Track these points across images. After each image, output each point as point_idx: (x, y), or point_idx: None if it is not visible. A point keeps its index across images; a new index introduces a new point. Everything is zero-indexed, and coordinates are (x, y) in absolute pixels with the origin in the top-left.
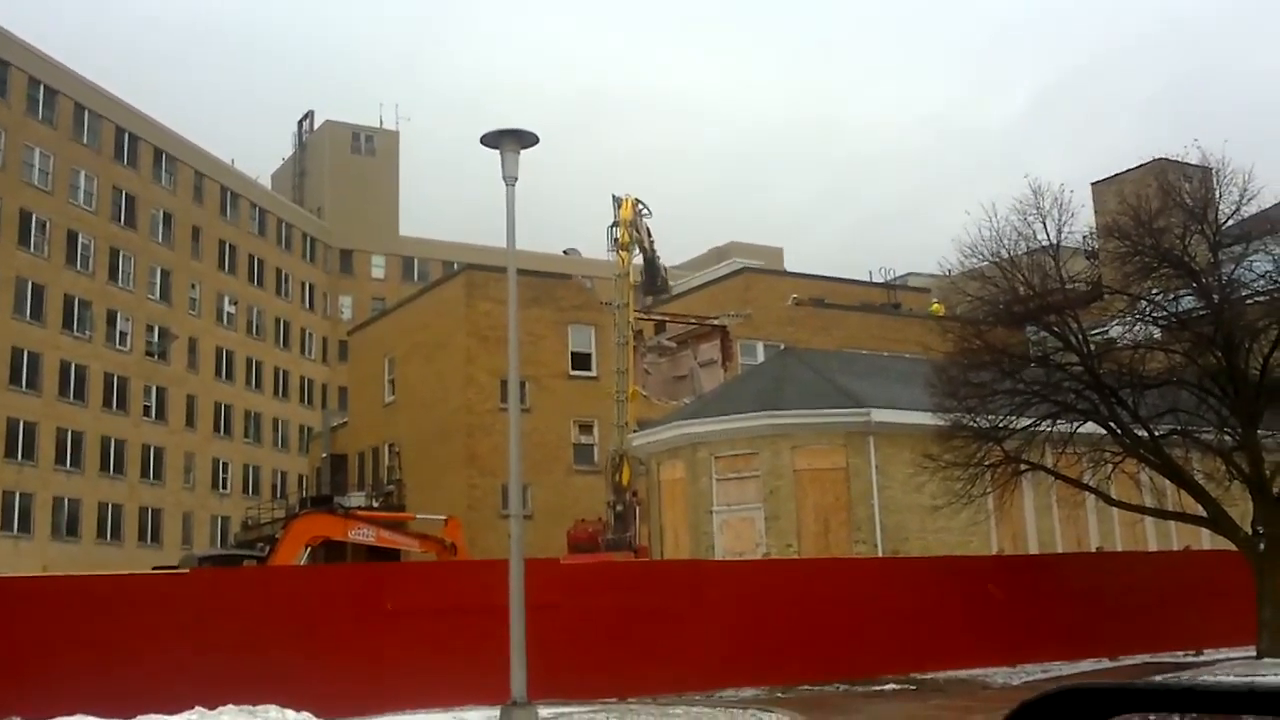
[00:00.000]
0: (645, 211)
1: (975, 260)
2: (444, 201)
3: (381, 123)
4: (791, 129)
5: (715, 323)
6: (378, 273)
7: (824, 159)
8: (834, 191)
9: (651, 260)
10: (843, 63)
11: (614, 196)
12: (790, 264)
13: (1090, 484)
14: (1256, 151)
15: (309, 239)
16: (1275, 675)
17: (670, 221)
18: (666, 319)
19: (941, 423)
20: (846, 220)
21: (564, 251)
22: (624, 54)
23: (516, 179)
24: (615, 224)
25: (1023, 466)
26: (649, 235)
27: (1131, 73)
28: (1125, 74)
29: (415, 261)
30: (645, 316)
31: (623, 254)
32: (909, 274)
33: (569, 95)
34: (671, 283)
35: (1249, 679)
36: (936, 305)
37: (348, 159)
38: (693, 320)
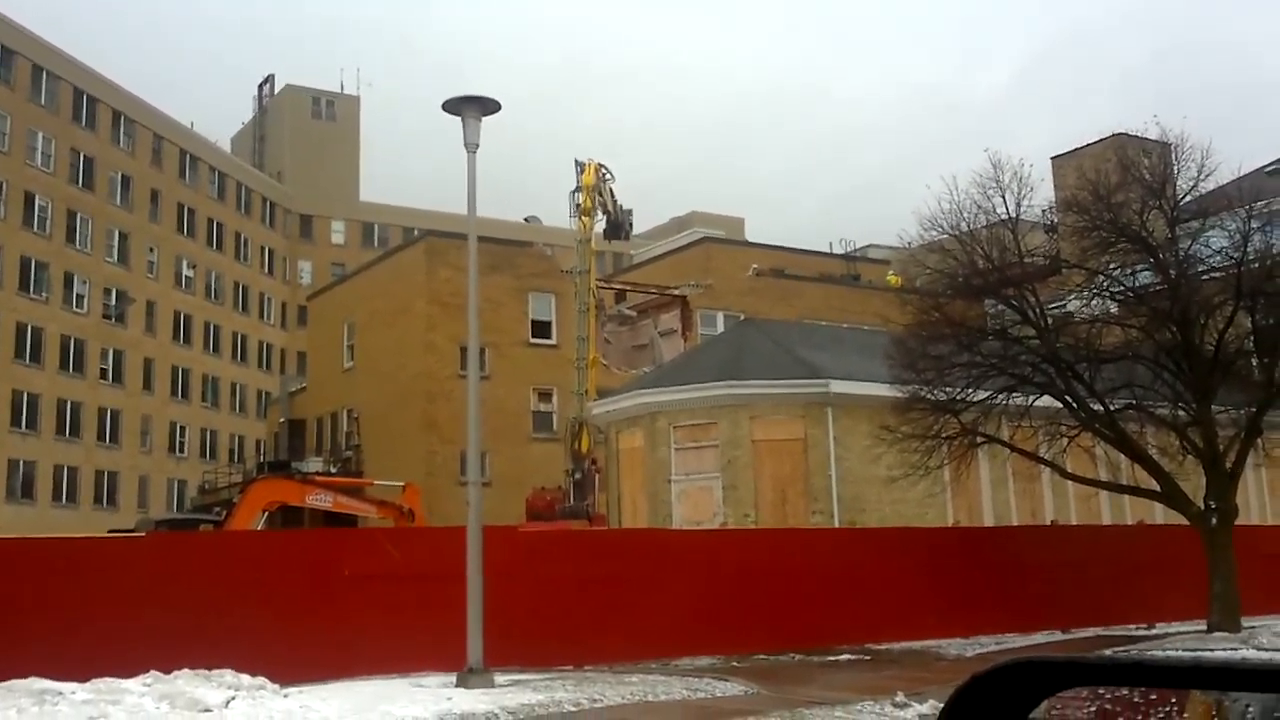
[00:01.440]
0: (608, 176)
1: (935, 233)
2: (409, 168)
3: (343, 88)
4: (774, 102)
5: (676, 292)
6: (338, 238)
7: (806, 132)
8: (812, 165)
9: (617, 221)
10: (832, 35)
11: (576, 161)
12: (761, 236)
13: (1046, 457)
14: (1238, 125)
15: (268, 203)
16: (1223, 649)
17: (643, 194)
18: (627, 288)
19: (899, 394)
20: (824, 192)
21: (525, 219)
22: (606, 22)
23: (478, 146)
24: (577, 189)
25: (979, 439)
26: (612, 198)
27: (1115, 46)
28: (1108, 47)
29: (376, 227)
30: (606, 285)
31: (584, 219)
32: (869, 246)
33: (547, 64)
34: (632, 252)
35: (1197, 653)
36: (893, 277)
37: (308, 124)
38: (653, 290)
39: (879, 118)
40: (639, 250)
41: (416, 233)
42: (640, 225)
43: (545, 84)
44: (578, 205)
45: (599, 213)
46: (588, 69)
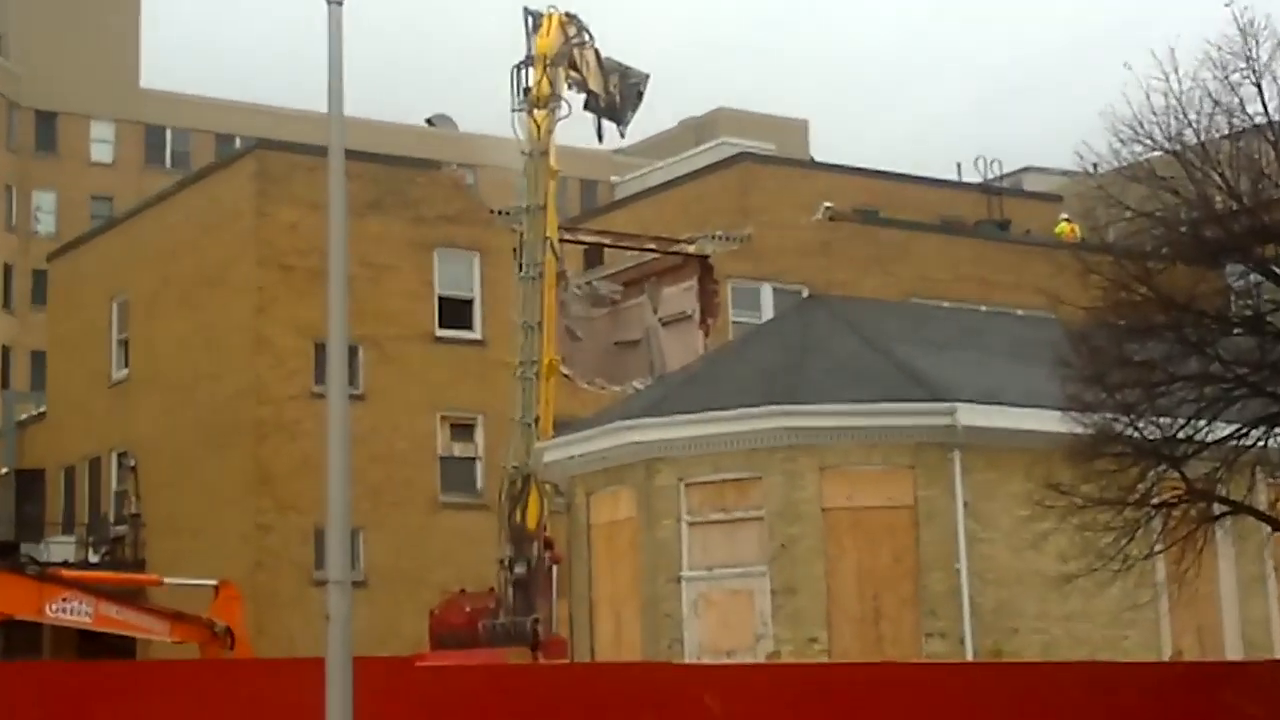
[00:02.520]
0: (586, 39)
1: (1139, 148)
2: (225, 39)
3: None
4: None
5: (690, 249)
6: (101, 152)
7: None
8: (926, 39)
9: (610, 99)
10: None
11: (528, 11)
12: (837, 153)
13: None
14: None
15: None
16: None
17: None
18: (606, 242)
19: (1079, 430)
20: (947, 85)
21: (428, 121)
22: None
23: None
24: (527, 61)
25: (1219, 508)
26: (600, 70)
27: None
28: None
29: (168, 134)
30: (572, 237)
31: (538, 117)
32: (1024, 170)
33: None
34: (615, 180)
35: None
36: (1066, 224)
37: None
38: (651, 246)
39: None
40: (628, 178)
41: (239, 143)
42: (632, 131)
43: None
44: (525, 91)
45: (562, 106)
46: None
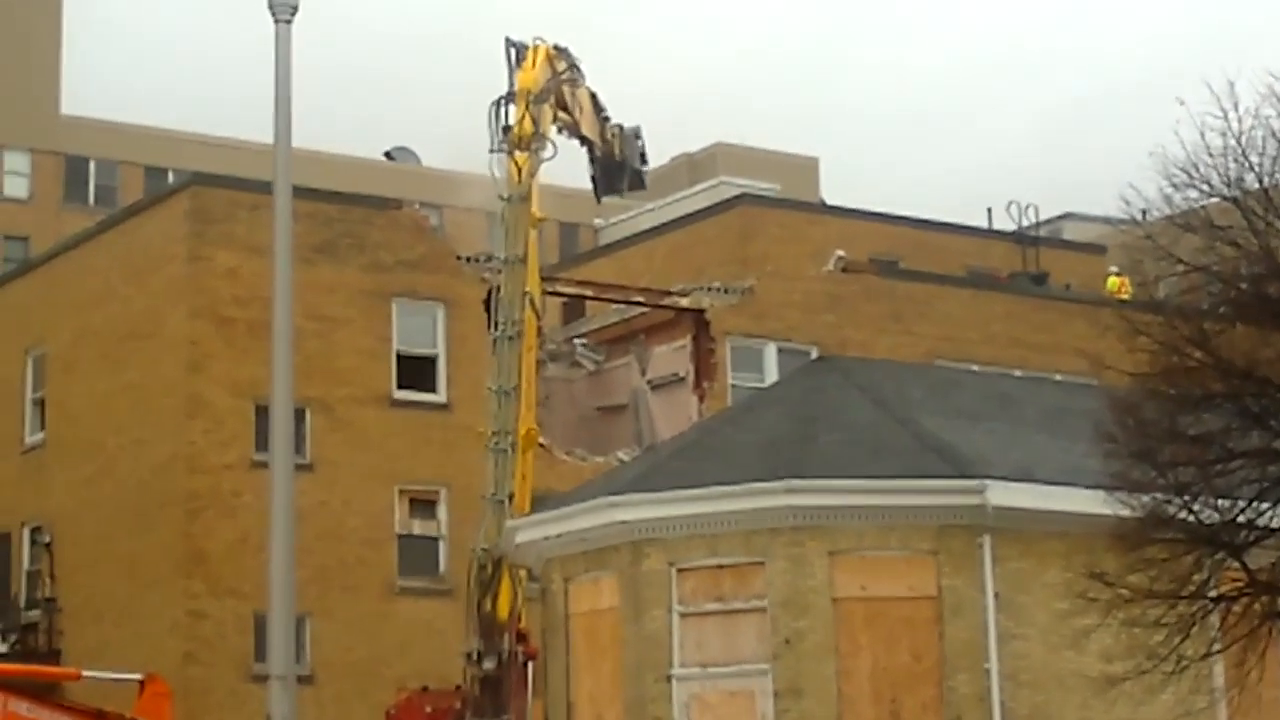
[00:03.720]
0: (576, 75)
1: (1194, 193)
2: (156, 68)
3: None
4: None
5: (683, 302)
6: (15, 186)
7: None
8: (949, 87)
9: (613, 155)
10: None
11: (509, 43)
12: (851, 195)
13: None
14: None
15: None
16: None
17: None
18: (588, 294)
19: (1126, 512)
20: (978, 122)
21: (387, 154)
22: None
23: (295, 8)
24: (507, 98)
25: None
26: (595, 115)
27: None
28: None
29: (90, 166)
30: (553, 289)
31: (519, 159)
32: (1064, 216)
33: None
34: (598, 223)
35: None
36: (1116, 279)
37: None
38: (638, 300)
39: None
40: (614, 221)
41: (172, 178)
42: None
43: None
44: (505, 130)
45: (546, 146)
46: None
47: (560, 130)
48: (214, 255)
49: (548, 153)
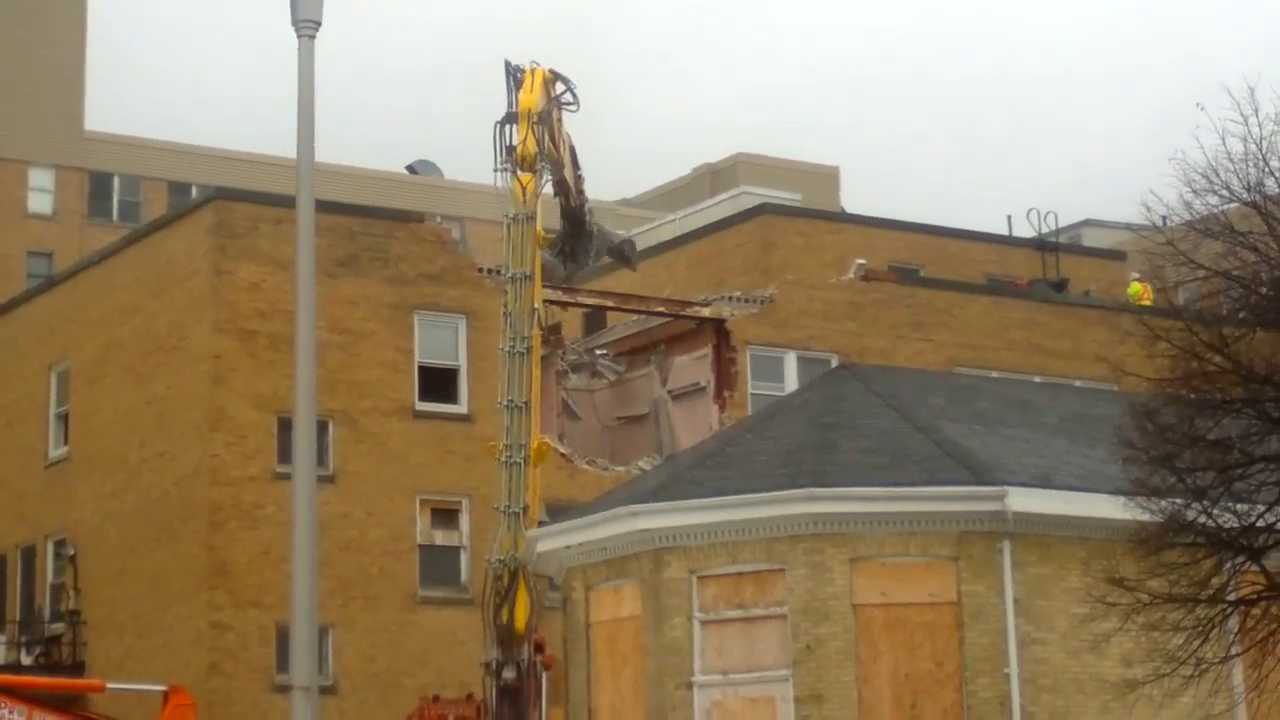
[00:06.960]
0: (568, 100)
1: (1215, 199)
2: (178, 85)
3: None
4: None
5: (703, 312)
6: (40, 202)
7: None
8: (980, 93)
9: (576, 209)
10: None
11: (508, 65)
12: (872, 205)
13: None
14: None
15: None
16: None
17: (645, 134)
18: (608, 305)
19: (1146, 517)
20: (991, 128)
21: (409, 168)
22: None
23: (319, 24)
24: (509, 118)
25: None
26: (569, 150)
27: None
28: None
29: (114, 182)
30: (563, 299)
31: (523, 178)
32: (1084, 223)
33: None
34: (619, 234)
35: None
36: (1138, 285)
37: None
38: (659, 310)
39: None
40: (635, 232)
41: (195, 193)
42: (642, 180)
43: None
44: (508, 150)
45: (546, 168)
46: None
47: (544, 165)
48: (237, 269)
49: (545, 179)
